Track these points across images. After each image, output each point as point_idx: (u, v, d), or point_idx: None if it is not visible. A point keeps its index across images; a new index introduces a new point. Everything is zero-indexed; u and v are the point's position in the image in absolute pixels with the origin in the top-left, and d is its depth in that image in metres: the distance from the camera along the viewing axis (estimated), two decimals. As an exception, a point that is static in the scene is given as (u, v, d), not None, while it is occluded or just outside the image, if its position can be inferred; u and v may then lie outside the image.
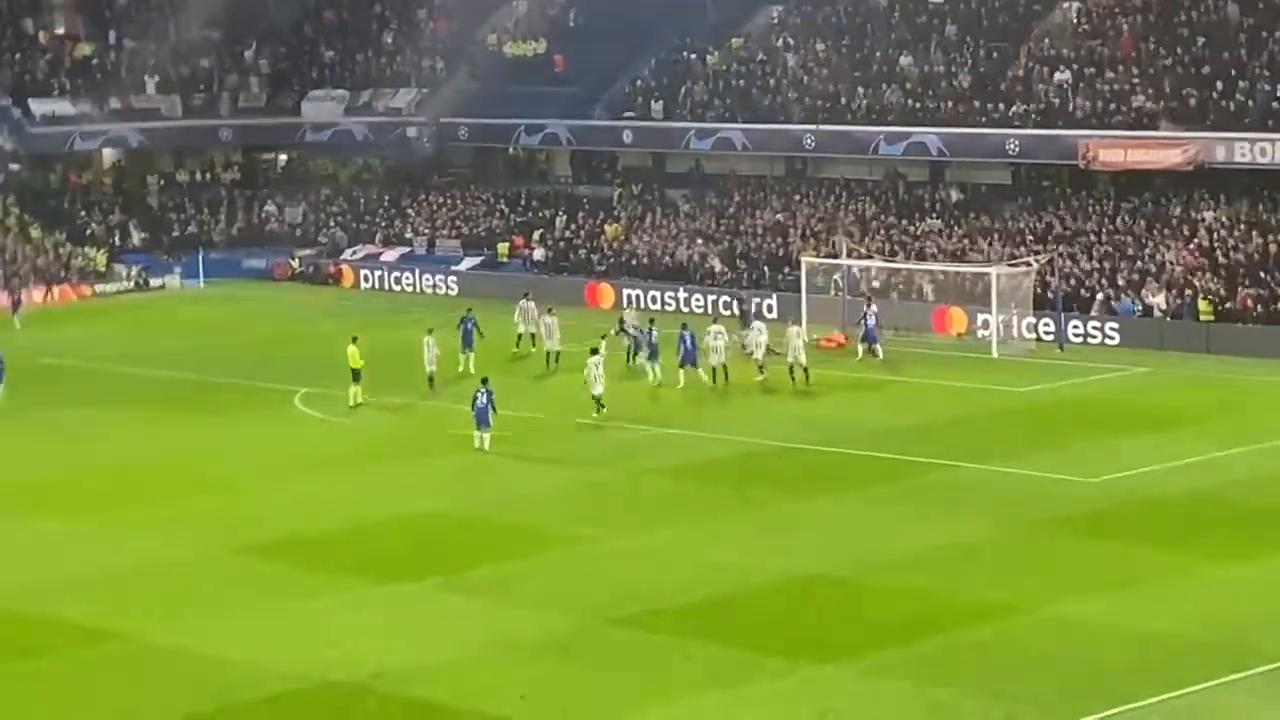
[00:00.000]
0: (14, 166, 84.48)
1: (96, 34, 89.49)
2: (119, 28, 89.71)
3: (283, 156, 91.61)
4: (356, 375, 53.30)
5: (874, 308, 60.32)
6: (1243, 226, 64.45)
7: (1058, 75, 70.48)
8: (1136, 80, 68.70)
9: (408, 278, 78.27)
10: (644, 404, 53.04)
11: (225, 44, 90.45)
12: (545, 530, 40.34)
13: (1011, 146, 69.15)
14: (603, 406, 50.58)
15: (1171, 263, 63.70)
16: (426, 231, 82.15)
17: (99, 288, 78.17)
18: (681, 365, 54.87)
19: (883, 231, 70.51)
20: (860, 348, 59.21)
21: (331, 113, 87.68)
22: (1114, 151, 66.38)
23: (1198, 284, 62.20)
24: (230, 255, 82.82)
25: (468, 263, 78.41)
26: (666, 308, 69.07)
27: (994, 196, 71.32)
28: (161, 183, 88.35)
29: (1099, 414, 51.29)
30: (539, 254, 77.32)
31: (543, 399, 53.66)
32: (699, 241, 74.07)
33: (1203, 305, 61.22)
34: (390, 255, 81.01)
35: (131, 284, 79.04)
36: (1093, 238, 66.47)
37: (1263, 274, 61.98)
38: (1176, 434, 48.12)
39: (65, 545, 40.21)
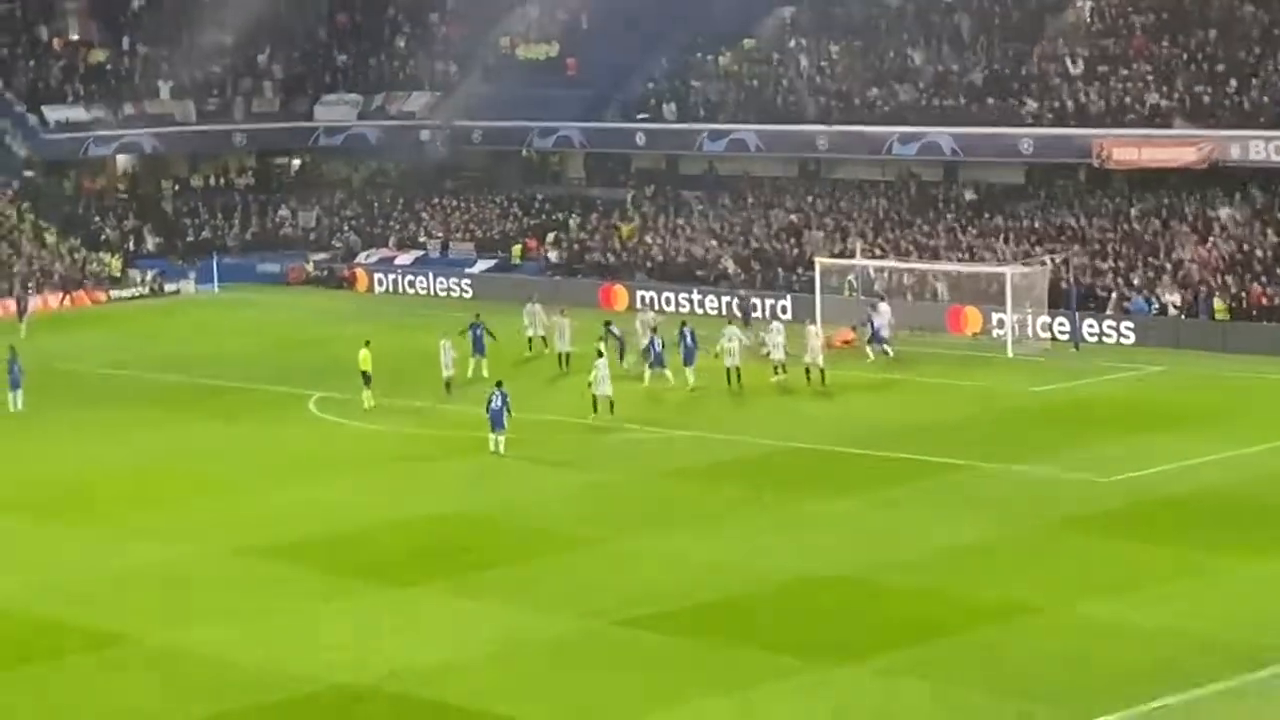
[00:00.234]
0: (29, 173, 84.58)
1: (110, 40, 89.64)
2: (133, 34, 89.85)
3: (296, 161, 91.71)
4: (367, 379, 53.32)
5: (884, 308, 60.19)
6: (1258, 224, 64.28)
7: (1071, 73, 70.33)
8: (1150, 78, 68.55)
9: (421, 281, 78.26)
10: (657, 406, 52.95)
11: (238, 49, 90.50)
12: (557, 532, 40.27)
13: (1025, 146, 68.99)
14: (612, 408, 50.45)
15: (1186, 261, 63.51)
16: (440, 235, 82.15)
17: (114, 293, 78.26)
18: (686, 364, 54.83)
19: (897, 231, 70.39)
20: (870, 349, 59.04)
21: (345, 116, 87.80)
22: (1128, 150, 66.20)
23: (1213, 282, 62.03)
24: (244, 260, 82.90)
25: (481, 265, 78.40)
26: (681, 309, 68.93)
27: (1008, 196, 71.17)
28: (176, 188, 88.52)
29: (1115, 413, 51.13)
30: (553, 256, 77.29)
31: (555, 401, 53.58)
32: (713, 243, 74.00)
33: (1218, 304, 61.04)
34: (404, 259, 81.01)
35: (146, 289, 79.10)
36: (1107, 236, 66.31)
37: (1278, 271, 61.78)
38: (1193, 433, 47.94)
39: (77, 548, 40.25)
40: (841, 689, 30.59)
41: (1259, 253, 62.91)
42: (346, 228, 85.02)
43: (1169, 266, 63.59)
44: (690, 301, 70.02)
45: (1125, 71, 69.32)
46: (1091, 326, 61.89)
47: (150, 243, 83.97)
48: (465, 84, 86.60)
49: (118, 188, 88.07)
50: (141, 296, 78.59)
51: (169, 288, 79.48)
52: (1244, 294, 61.09)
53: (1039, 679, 30.60)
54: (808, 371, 54.98)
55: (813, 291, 63.72)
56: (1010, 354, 59.80)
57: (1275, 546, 37.52)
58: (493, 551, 38.85)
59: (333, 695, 31.04)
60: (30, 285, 75.87)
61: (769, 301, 67.49)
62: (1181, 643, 32.12)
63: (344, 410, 53.25)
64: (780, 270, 70.12)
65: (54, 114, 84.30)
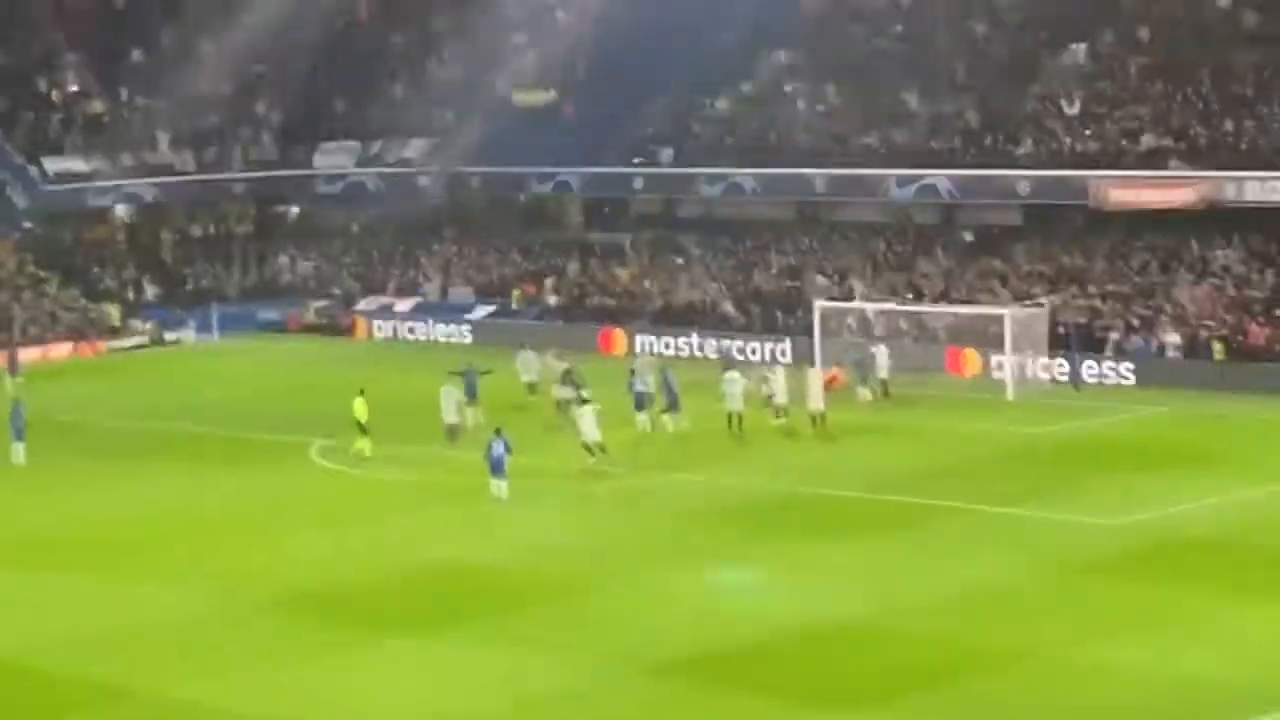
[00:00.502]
0: (29, 224, 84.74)
1: (108, 91, 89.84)
2: (131, 85, 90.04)
3: (295, 209, 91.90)
4: (363, 428, 53.35)
5: (882, 350, 60.24)
6: (1255, 264, 64.50)
7: (1067, 114, 70.63)
8: (1146, 119, 68.82)
9: (421, 327, 78.42)
10: (660, 450, 52.99)
11: (236, 98, 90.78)
12: (564, 578, 40.31)
13: (1022, 188, 69.21)
14: (603, 451, 50.48)
15: (1185, 301, 63.70)
16: (439, 281, 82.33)
17: (114, 343, 78.35)
18: (668, 410, 54.78)
19: (895, 274, 70.57)
20: (863, 391, 58.87)
21: (343, 164, 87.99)
22: (1125, 191, 66.42)
23: (1211, 322, 62.21)
24: (244, 308, 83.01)
25: (481, 311, 78.55)
26: (680, 353, 69.10)
27: (1006, 237, 71.37)
28: (175, 237, 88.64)
29: (1117, 455, 51.24)
30: (552, 301, 77.47)
31: (555, 447, 53.53)
32: (712, 286, 74.18)
33: (1217, 344, 61.20)
34: (403, 305, 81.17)
35: (146, 339, 79.20)
36: (1105, 277, 66.51)
37: (1276, 312, 61.98)
38: (1196, 474, 48.04)
39: (83, 600, 40.23)
40: (852, 736, 30.66)
41: (1256, 293, 63.12)
42: (346, 274, 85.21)
43: (1167, 307, 63.78)
44: (690, 345, 70.16)
45: (1121, 113, 69.61)
46: (1091, 368, 62.03)
47: (150, 292, 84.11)
48: (463, 130, 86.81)
49: (117, 238, 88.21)
50: (141, 346, 78.68)
51: (169, 337, 79.56)
52: (1242, 334, 61.27)
53: (1049, 724, 30.69)
54: (814, 418, 54.94)
55: (812, 335, 63.86)
56: (1010, 396, 59.93)
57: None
58: (501, 599, 38.88)
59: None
60: (17, 336, 75.23)
61: (769, 345, 67.64)
62: (1195, 687, 32.14)
63: (346, 458, 53.31)
64: (779, 314, 70.28)
65: (53, 165, 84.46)
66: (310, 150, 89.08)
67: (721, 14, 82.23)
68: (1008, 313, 61.91)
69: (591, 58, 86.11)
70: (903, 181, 71.92)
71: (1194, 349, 61.63)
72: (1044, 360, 61.68)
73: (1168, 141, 67.48)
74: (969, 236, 72.20)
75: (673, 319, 73.03)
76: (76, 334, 78.09)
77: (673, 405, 55.21)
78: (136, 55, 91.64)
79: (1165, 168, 66.55)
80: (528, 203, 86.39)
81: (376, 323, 79.95)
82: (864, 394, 59.00)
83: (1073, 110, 70.75)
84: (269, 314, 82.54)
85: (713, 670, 33.84)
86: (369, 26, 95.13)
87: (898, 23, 79.46)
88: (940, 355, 64.41)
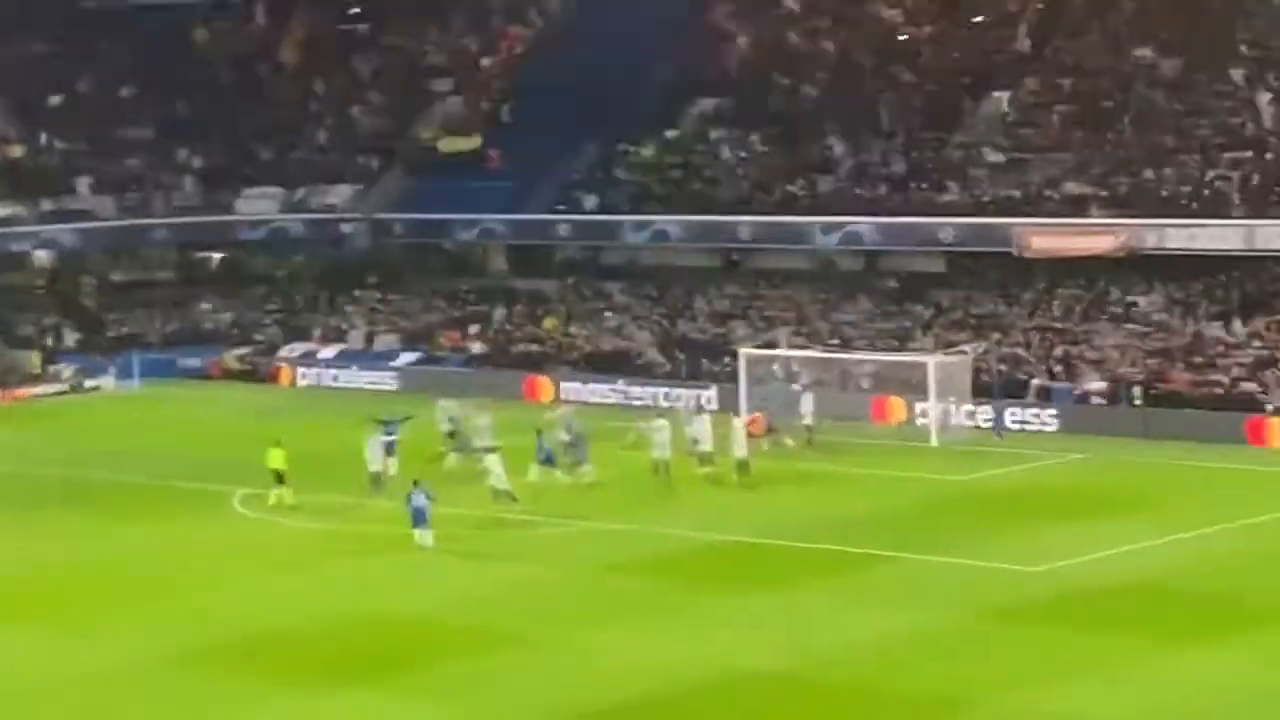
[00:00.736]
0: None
1: (27, 135, 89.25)
2: (50, 129, 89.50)
3: (218, 255, 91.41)
4: (280, 477, 52.95)
5: (808, 397, 60.24)
6: (1176, 311, 64.96)
7: (990, 162, 71.05)
8: (1068, 167, 69.30)
9: (346, 374, 78.06)
10: (584, 500, 52.79)
11: (158, 143, 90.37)
12: (493, 629, 39.99)
13: (946, 235, 69.56)
14: (515, 500, 50.32)
15: (1107, 348, 64.08)
16: (364, 327, 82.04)
17: (33, 390, 77.64)
18: (576, 463, 54.42)
19: (820, 321, 70.75)
20: (788, 439, 58.51)
21: (266, 210, 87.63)
22: (1047, 239, 66.84)
23: (1133, 369, 62.58)
24: (166, 355, 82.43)
25: (406, 358, 78.28)
26: (605, 400, 69.00)
27: (929, 284, 71.68)
28: (96, 283, 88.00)
29: (1040, 502, 51.39)
30: (476, 348, 77.27)
31: (479, 496, 53.16)
32: (637, 333, 74.15)
33: (1138, 390, 61.54)
34: (327, 352, 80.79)
35: (66, 386, 78.53)
36: (1028, 324, 66.86)
37: (1196, 358, 62.40)
38: (1118, 520, 48.24)
39: (-1, 654, 39.72)
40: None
41: (1177, 339, 63.56)
42: (269, 321, 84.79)
43: (1089, 354, 64.13)
44: (616, 392, 70.04)
45: (1043, 160, 70.07)
46: (1014, 414, 62.27)
47: (70, 339, 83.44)
48: (387, 177, 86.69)
49: (36, 284, 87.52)
50: (62, 393, 78.00)
51: (89, 384, 78.90)
52: (1163, 381, 61.64)
53: (974, 774, 30.63)
54: (738, 464, 54.83)
55: (737, 382, 63.85)
56: (934, 443, 60.08)
57: (1209, 634, 37.68)
58: (430, 650, 38.55)
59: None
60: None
61: (694, 393, 67.63)
62: (1114, 735, 32.23)
63: (269, 507, 52.89)
64: (705, 361, 70.31)
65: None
66: (233, 196, 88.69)
67: (647, 61, 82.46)
68: (931, 360, 62.13)
69: (516, 104, 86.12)
70: (827, 229, 72.20)
71: (1116, 395, 61.97)
72: (967, 407, 61.90)
73: (1089, 189, 67.97)
74: (893, 283, 72.46)
75: (598, 366, 72.94)
76: (6, 382, 77.34)
77: (579, 456, 54.79)
78: (56, 99, 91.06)
79: (1087, 215, 67.03)
80: (452, 249, 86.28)
81: (301, 370, 79.54)
82: (785, 441, 58.69)
83: (996, 158, 71.16)
84: (191, 361, 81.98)
85: (639, 720, 33.69)
86: (292, 71, 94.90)
87: (823, 71, 79.81)
88: (865, 403, 64.52)
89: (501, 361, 75.82)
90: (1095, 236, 66.03)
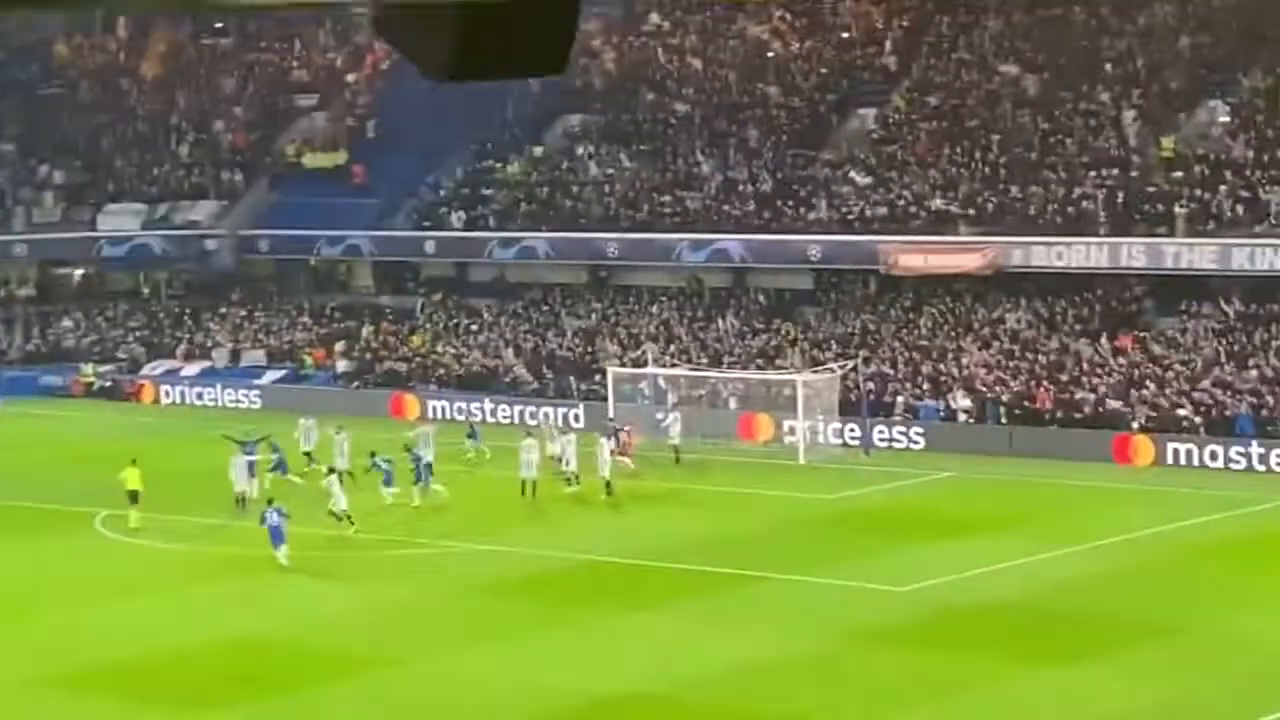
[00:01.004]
0: None
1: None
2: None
3: (79, 271, 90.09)
4: (135, 497, 52.09)
5: (671, 415, 60.05)
6: (1041, 328, 65.35)
7: (857, 181, 71.22)
8: (935, 184, 69.58)
9: (209, 393, 77.05)
10: (448, 520, 52.32)
11: (18, 157, 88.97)
12: (358, 652, 39.49)
13: (813, 252, 69.62)
14: (351, 521, 49.79)
15: (973, 365, 64.34)
16: (228, 345, 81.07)
17: (-112, 409, 76.19)
18: (420, 481, 53.87)
19: (688, 338, 70.63)
20: (628, 460, 57.28)
21: (128, 226, 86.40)
22: (914, 256, 67.06)
23: (999, 386, 62.86)
24: (26, 372, 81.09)
25: (270, 376, 77.39)
26: (472, 418, 68.40)
27: (797, 301, 71.74)
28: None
29: (906, 520, 51.41)
30: (342, 365, 76.54)
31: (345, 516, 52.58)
32: (504, 351, 73.73)
33: (1004, 407, 61.81)
34: (191, 370, 79.76)
35: (-77, 404, 77.12)
36: (896, 342, 67.02)
37: (1061, 376, 62.77)
38: (984, 538, 48.35)
39: None
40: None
41: (1042, 357, 63.91)
42: (131, 339, 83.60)
43: (956, 371, 64.36)
44: (482, 410, 69.49)
45: (910, 178, 70.33)
46: (882, 432, 62.37)
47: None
48: (251, 192, 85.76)
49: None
50: (-82, 412, 76.56)
51: (-54, 402, 77.53)
52: (1029, 399, 61.97)
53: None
54: (604, 484, 54.46)
55: (605, 400, 63.56)
56: (802, 461, 60.05)
57: (1073, 653, 37.82)
58: (294, 674, 38.00)
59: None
60: None
61: (561, 410, 67.29)
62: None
63: (130, 530, 51.99)
64: (573, 379, 69.98)
65: None
66: (94, 211, 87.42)
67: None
68: (799, 378, 62.11)
69: (382, 120, 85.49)
70: (695, 246, 72.11)
71: (983, 413, 62.21)
72: (835, 425, 61.92)
73: (956, 207, 68.28)
74: (761, 300, 72.47)
75: (465, 384, 72.42)
76: None
77: (424, 475, 54.14)
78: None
79: (953, 232, 67.30)
80: (318, 266, 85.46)
81: (164, 387, 78.44)
82: (624, 462, 57.67)
83: (862, 176, 71.35)
84: (51, 379, 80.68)
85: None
86: (154, 86, 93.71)
87: (690, 87, 79.77)
88: (733, 420, 64.41)
89: (368, 379, 75.15)
90: (962, 254, 66.31)
